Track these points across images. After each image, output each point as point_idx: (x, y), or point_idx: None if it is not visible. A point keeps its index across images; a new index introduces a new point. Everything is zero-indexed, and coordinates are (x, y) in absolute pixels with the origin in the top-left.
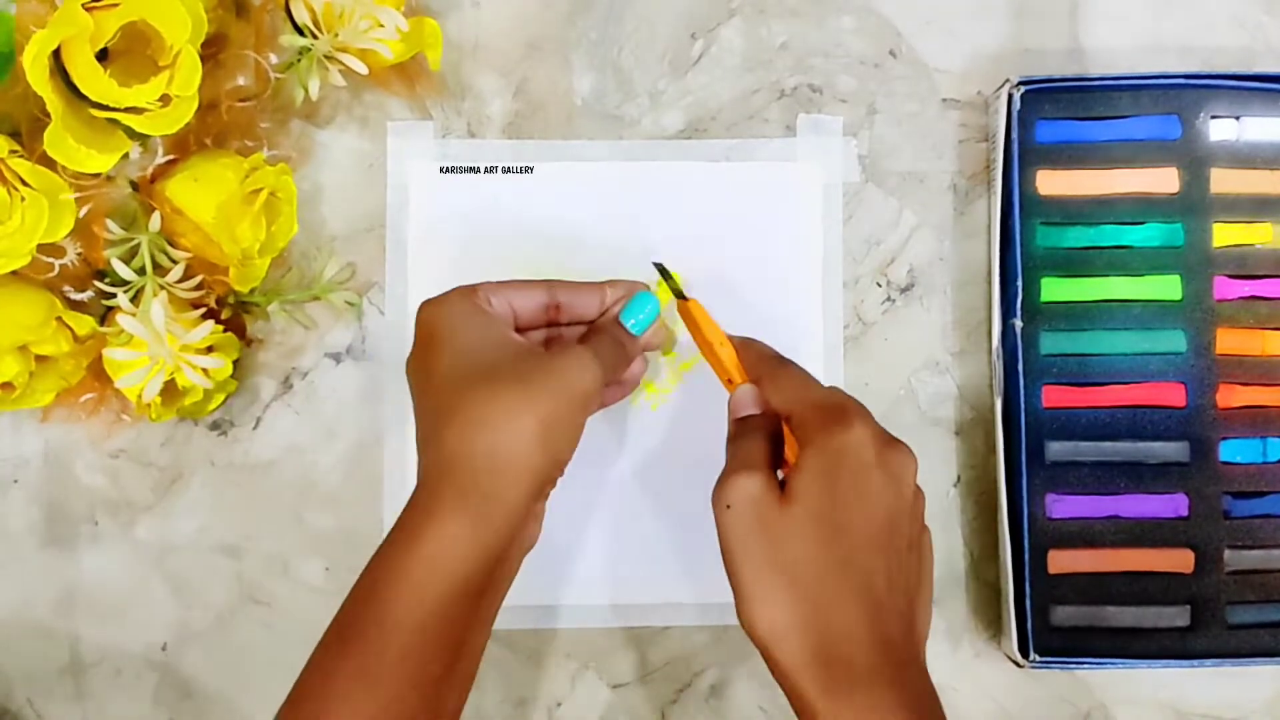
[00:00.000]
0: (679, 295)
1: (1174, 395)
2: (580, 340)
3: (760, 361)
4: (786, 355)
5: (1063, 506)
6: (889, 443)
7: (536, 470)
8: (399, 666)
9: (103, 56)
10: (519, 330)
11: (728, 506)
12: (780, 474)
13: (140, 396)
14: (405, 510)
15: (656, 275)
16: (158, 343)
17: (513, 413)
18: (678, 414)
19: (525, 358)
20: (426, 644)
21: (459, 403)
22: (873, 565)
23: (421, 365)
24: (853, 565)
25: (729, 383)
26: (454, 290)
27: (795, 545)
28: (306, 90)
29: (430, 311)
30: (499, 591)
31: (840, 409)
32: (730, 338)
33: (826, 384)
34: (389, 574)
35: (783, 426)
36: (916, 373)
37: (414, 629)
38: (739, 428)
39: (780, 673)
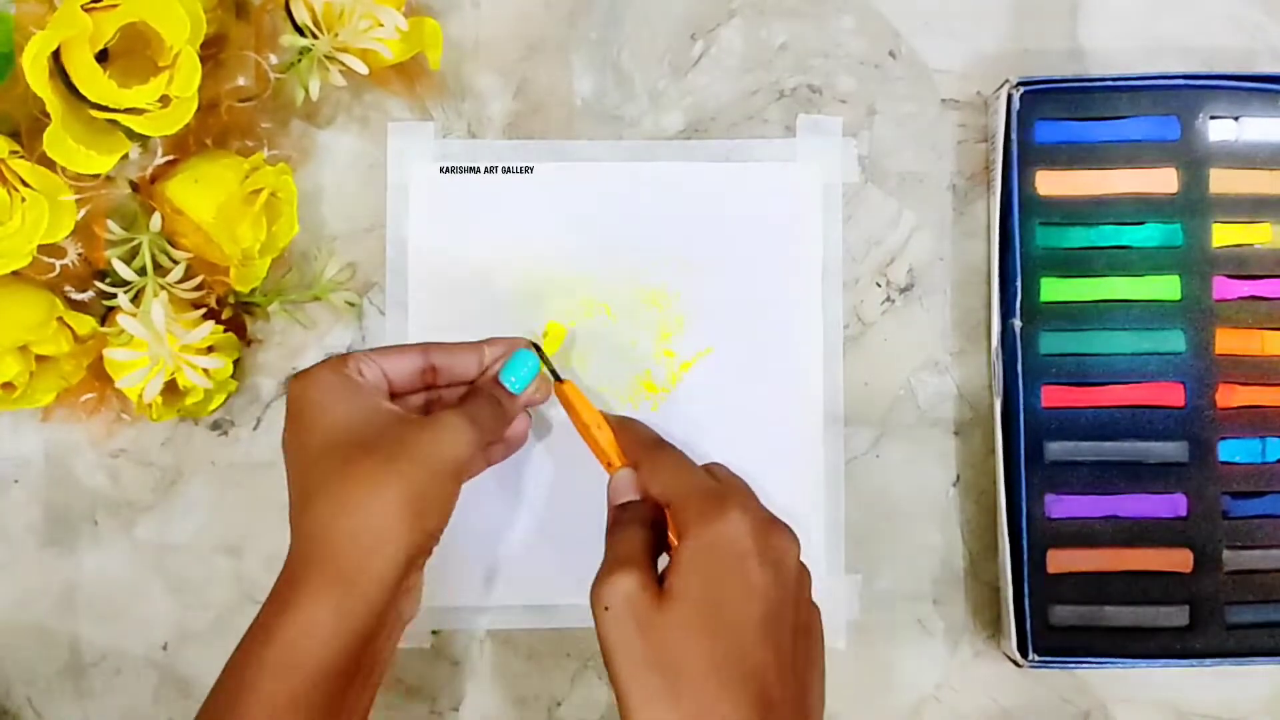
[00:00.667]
0: (555, 377)
1: (1173, 395)
2: (458, 402)
3: (638, 445)
4: (785, 356)
5: (1062, 506)
6: (768, 527)
7: (404, 547)
8: None
9: (102, 57)
10: (395, 396)
11: (605, 608)
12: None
13: (141, 396)
14: (274, 590)
15: (537, 327)
16: (158, 343)
17: (376, 489)
18: (678, 413)
19: (392, 428)
20: None
21: (322, 481)
22: (758, 659)
23: (291, 441)
24: (737, 661)
25: (608, 465)
26: (324, 362)
27: (675, 646)
28: (307, 90)
29: (299, 386)
30: (373, 672)
31: (716, 497)
32: (608, 418)
33: (822, 384)
34: (250, 661)
35: (664, 513)
36: (916, 373)
37: (275, 716)
38: (617, 516)
39: None
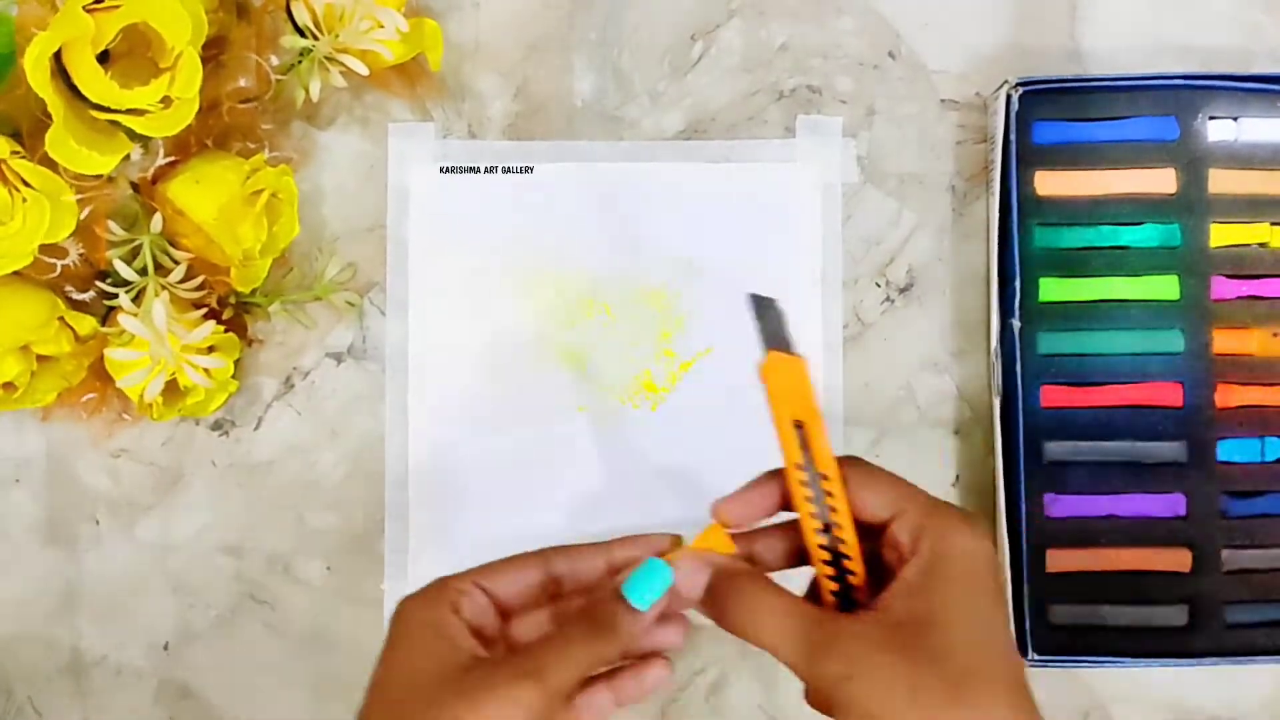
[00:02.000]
0: (782, 346)
1: (1172, 395)
2: (543, 637)
3: (849, 461)
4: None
5: (1061, 506)
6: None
7: None
8: None
9: (104, 58)
10: (513, 616)
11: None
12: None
13: (142, 396)
14: None
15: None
16: (159, 343)
17: None
18: (678, 413)
19: (453, 682)
20: None
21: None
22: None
23: (378, 669)
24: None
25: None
26: (429, 587)
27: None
28: (307, 91)
29: (398, 613)
30: None
31: (956, 509)
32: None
33: (822, 384)
34: None
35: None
36: (915, 373)
37: None
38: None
39: None
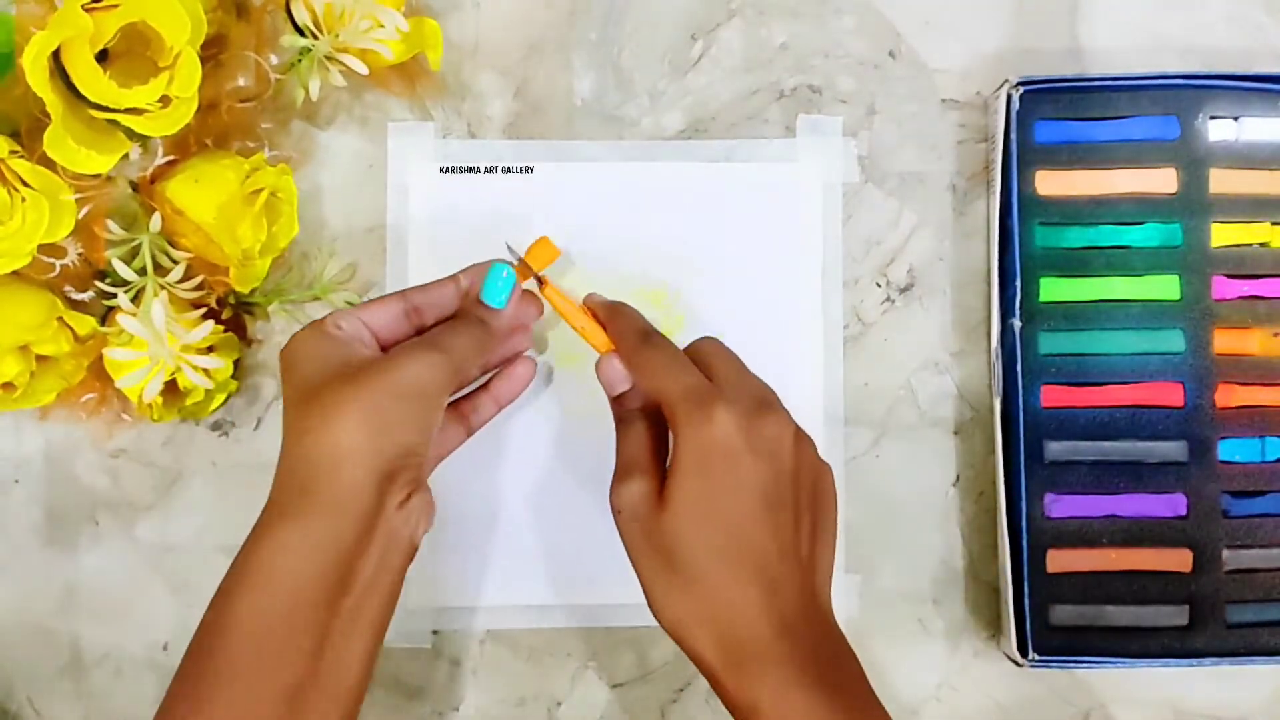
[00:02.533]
0: (535, 277)
1: (1172, 395)
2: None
3: (626, 336)
4: (785, 356)
5: (1061, 506)
6: (755, 418)
7: (367, 462)
8: (250, 672)
9: (103, 58)
10: (384, 346)
11: (618, 512)
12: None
13: (141, 396)
14: (256, 524)
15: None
16: (158, 343)
17: (333, 412)
18: None
19: (356, 364)
20: (271, 650)
21: (292, 421)
22: (759, 545)
23: (283, 401)
24: (736, 551)
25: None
26: (307, 326)
27: (680, 544)
28: (307, 91)
29: (283, 354)
30: (369, 596)
31: (700, 398)
32: (600, 304)
33: (823, 384)
34: (234, 581)
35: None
36: (916, 373)
37: (258, 634)
38: (619, 413)
39: (695, 663)
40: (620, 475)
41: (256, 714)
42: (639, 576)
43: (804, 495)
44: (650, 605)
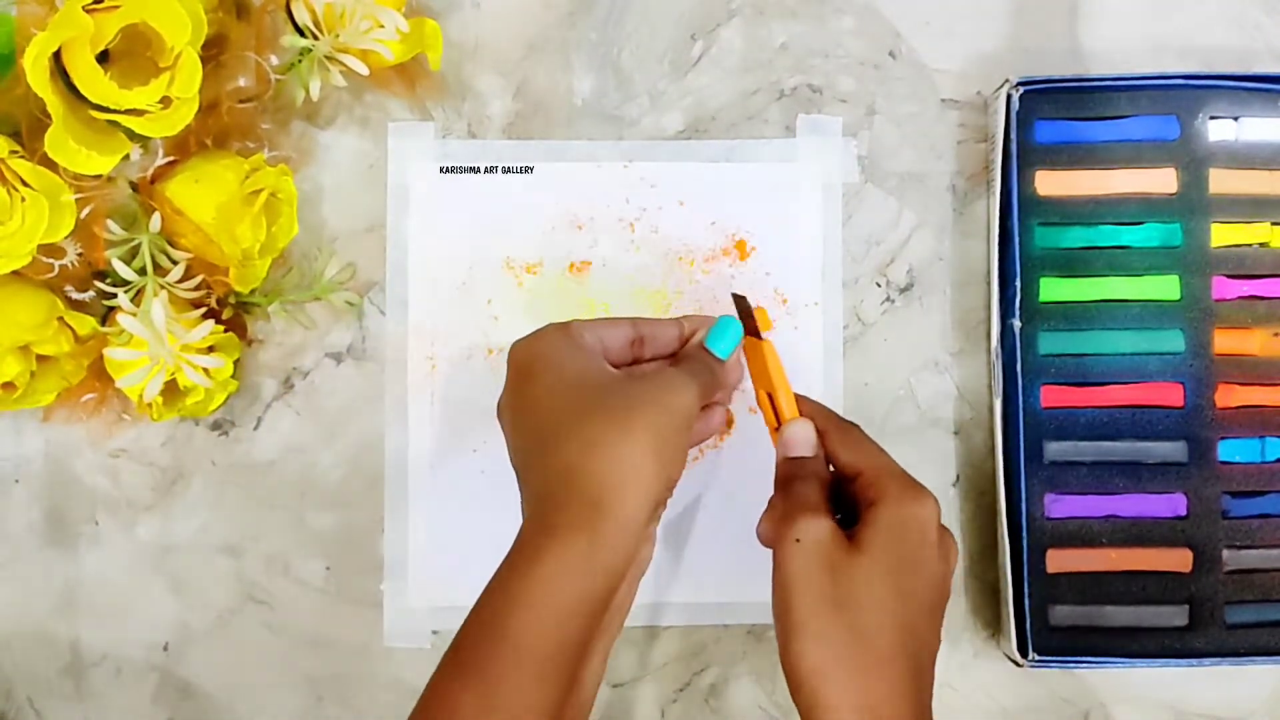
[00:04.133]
0: (753, 333)
1: (1172, 395)
2: (673, 363)
3: (822, 414)
4: (786, 355)
5: (1061, 506)
6: (945, 529)
7: (651, 487)
8: (520, 696)
9: (103, 58)
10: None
11: (797, 540)
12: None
13: (141, 396)
14: (521, 534)
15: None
16: (158, 342)
17: (627, 430)
18: None
19: (624, 382)
20: (547, 672)
21: (571, 425)
22: (926, 635)
23: (520, 399)
24: (911, 630)
25: (777, 422)
26: (548, 327)
27: (862, 592)
28: (307, 91)
29: (526, 347)
30: (616, 618)
31: (913, 481)
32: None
33: (823, 384)
34: (509, 598)
35: (829, 479)
36: (916, 373)
37: (536, 656)
38: (794, 468)
39: (819, 711)
40: (801, 508)
41: None
42: (792, 609)
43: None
44: (792, 639)
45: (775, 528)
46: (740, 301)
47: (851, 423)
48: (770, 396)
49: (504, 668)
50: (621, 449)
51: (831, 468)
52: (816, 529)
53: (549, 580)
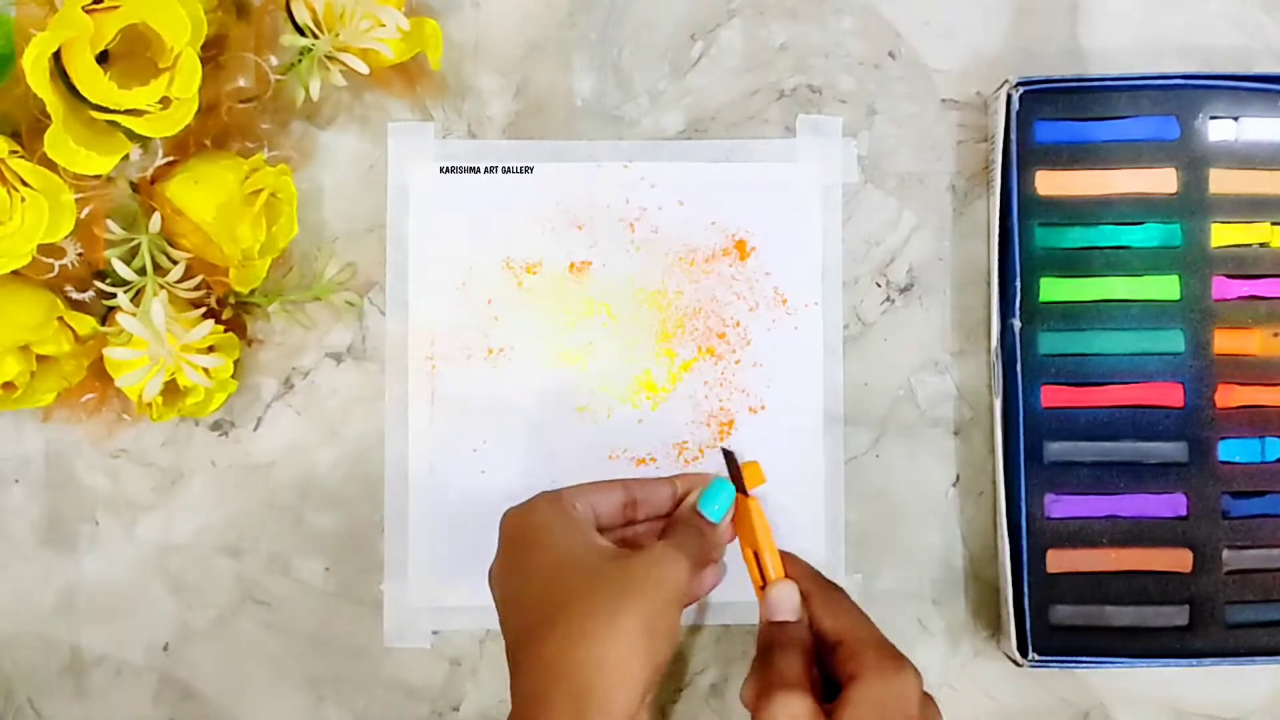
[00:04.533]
0: (740, 490)
1: (1172, 395)
2: (660, 536)
3: (809, 577)
4: (785, 356)
5: (1061, 506)
6: (928, 699)
7: (643, 678)
8: None
9: (103, 59)
10: (600, 531)
11: (773, 717)
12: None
13: (141, 396)
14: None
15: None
16: (158, 342)
17: (614, 619)
18: (678, 413)
19: (614, 560)
20: None
21: (559, 613)
22: None
23: (511, 574)
24: None
25: (763, 581)
26: (540, 497)
27: None
28: (307, 91)
29: (517, 519)
30: None
31: (894, 653)
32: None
33: (822, 384)
34: None
35: (811, 644)
36: (916, 373)
37: None
38: (777, 634)
39: None
40: (780, 685)
41: None
42: None
43: None
44: None
45: (755, 700)
46: (729, 458)
47: (835, 585)
48: (756, 554)
49: None
50: (613, 643)
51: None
52: (793, 708)
53: None
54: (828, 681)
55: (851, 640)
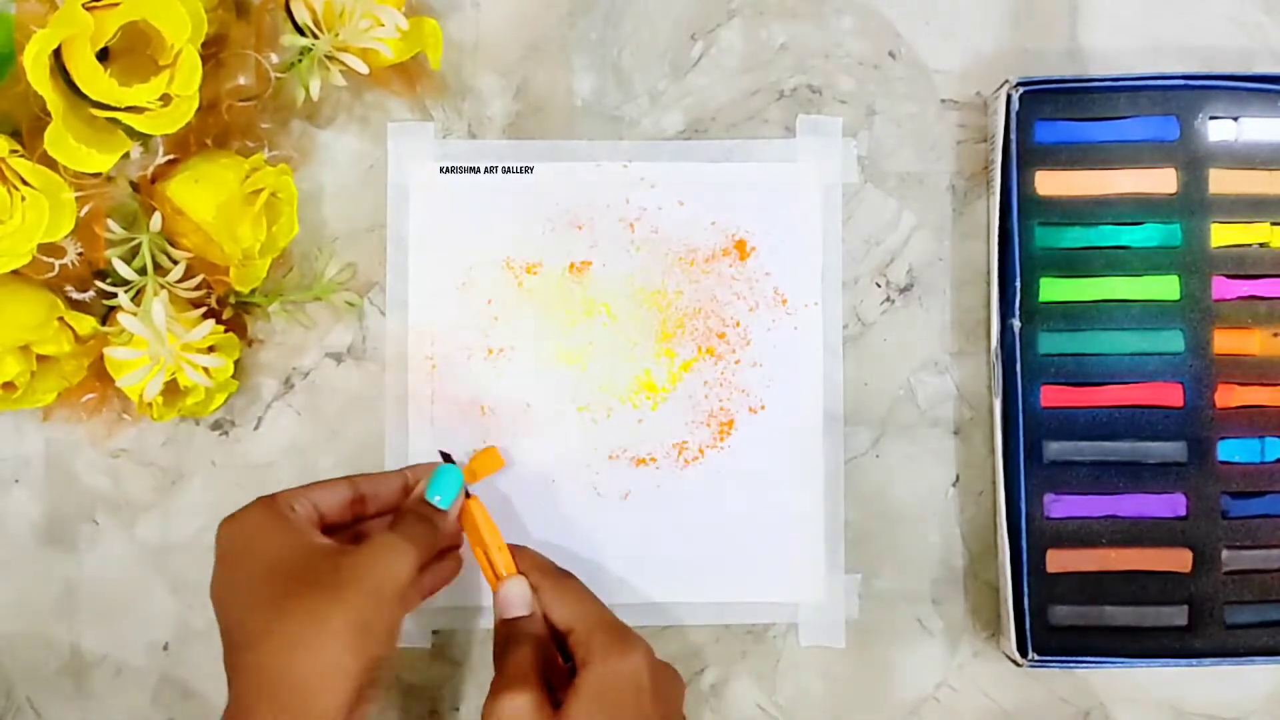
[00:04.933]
0: (465, 491)
1: (1172, 395)
2: (390, 525)
3: (537, 570)
4: (787, 357)
5: (1061, 506)
6: (662, 670)
7: (352, 680)
8: None
9: (103, 56)
10: (327, 530)
11: None
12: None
13: (141, 396)
14: None
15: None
16: (159, 342)
17: (320, 623)
18: (677, 413)
19: (329, 559)
20: None
21: (262, 620)
22: None
23: (221, 584)
24: None
25: (497, 580)
26: (253, 503)
27: None
28: (307, 90)
29: (227, 529)
30: None
31: (620, 633)
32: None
33: (822, 384)
34: None
35: (551, 635)
36: (916, 373)
37: None
38: (509, 632)
39: None
40: (506, 686)
41: None
42: None
43: None
44: None
45: (485, 705)
46: (446, 458)
47: (567, 574)
48: (486, 554)
49: None
50: (315, 647)
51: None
52: (516, 706)
53: None
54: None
55: (580, 627)
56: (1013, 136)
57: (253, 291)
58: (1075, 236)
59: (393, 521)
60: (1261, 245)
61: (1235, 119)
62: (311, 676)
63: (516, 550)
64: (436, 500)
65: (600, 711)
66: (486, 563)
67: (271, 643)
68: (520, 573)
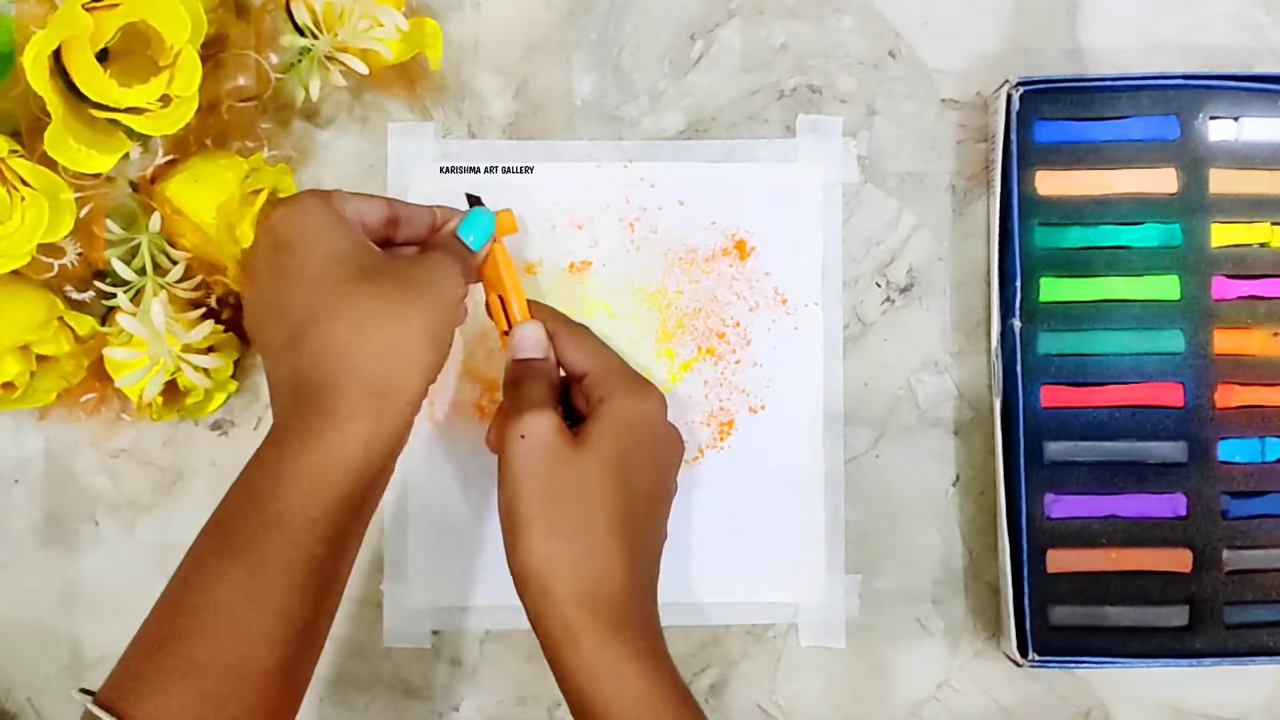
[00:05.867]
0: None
1: (1172, 395)
2: (428, 249)
3: (553, 316)
4: (785, 356)
5: (1061, 506)
6: (672, 425)
7: (427, 368)
8: (289, 569)
9: (103, 57)
10: None
11: (521, 436)
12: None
13: (141, 396)
14: (287, 412)
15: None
16: (158, 342)
17: (401, 310)
18: (677, 413)
19: (391, 261)
20: (317, 547)
21: (343, 300)
22: (646, 526)
23: (275, 269)
24: (631, 521)
25: (509, 327)
26: (307, 193)
27: (585, 487)
28: (307, 90)
29: (287, 212)
30: (378, 496)
31: (639, 378)
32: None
33: (822, 384)
34: (281, 475)
35: (559, 381)
36: (916, 373)
37: (307, 532)
38: (524, 370)
39: (548, 602)
40: (528, 405)
41: (287, 615)
42: (519, 505)
43: (669, 509)
44: (519, 535)
45: (501, 428)
46: (475, 201)
47: (582, 325)
48: (502, 300)
49: (274, 547)
50: (398, 331)
51: (563, 372)
52: (541, 424)
53: (325, 466)
54: (576, 422)
55: (599, 370)
56: (1013, 136)
57: None
58: (1075, 236)
59: (430, 246)
60: (1262, 245)
61: (1236, 119)
62: (392, 357)
63: (532, 302)
64: (470, 240)
65: (617, 439)
66: (501, 311)
67: (347, 323)
68: (538, 319)
